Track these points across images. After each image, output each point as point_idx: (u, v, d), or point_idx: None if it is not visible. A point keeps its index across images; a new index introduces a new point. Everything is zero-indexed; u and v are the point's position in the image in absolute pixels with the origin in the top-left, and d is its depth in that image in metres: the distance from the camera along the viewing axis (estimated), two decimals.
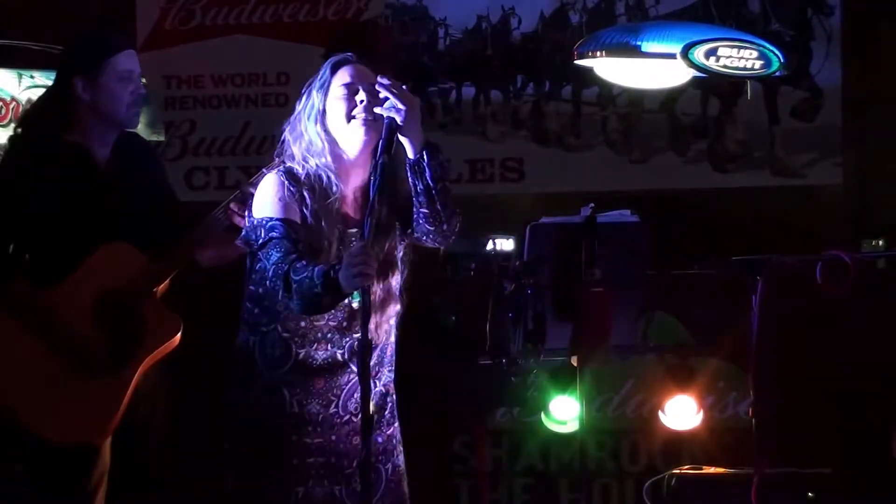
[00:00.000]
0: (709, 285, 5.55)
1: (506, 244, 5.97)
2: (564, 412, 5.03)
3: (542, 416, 5.22)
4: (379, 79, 3.59)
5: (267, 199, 3.62)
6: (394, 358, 3.79)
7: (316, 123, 3.65)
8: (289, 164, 3.67)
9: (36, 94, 5.91)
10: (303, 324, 3.65)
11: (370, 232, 3.42)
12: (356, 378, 3.63)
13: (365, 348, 3.40)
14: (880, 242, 6.12)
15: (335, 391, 3.67)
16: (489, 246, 5.15)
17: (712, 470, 5.15)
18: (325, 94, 3.66)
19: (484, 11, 6.93)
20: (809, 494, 4.93)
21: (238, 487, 3.68)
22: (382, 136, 3.54)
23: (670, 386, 5.14)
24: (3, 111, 5.99)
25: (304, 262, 3.48)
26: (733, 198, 6.74)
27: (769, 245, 5.13)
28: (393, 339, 3.77)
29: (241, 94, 6.96)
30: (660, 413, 5.16)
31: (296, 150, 3.67)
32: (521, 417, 5.65)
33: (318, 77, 3.69)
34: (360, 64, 3.71)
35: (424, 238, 3.71)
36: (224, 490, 3.69)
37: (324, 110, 3.66)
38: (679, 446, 5.55)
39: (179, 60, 6.94)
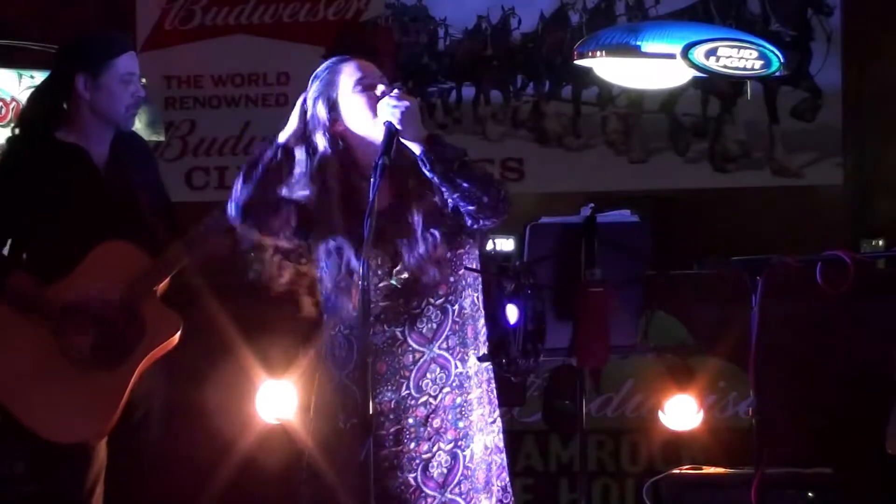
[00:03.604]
0: (709, 285, 5.54)
1: (506, 244, 5.98)
2: (565, 413, 5.03)
3: (542, 416, 5.22)
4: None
5: None
6: (479, 339, 3.68)
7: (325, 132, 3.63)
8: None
9: None
10: (354, 313, 3.55)
11: (370, 232, 3.41)
12: (425, 356, 3.59)
13: (365, 349, 3.39)
14: (880, 242, 6.14)
15: (403, 372, 3.58)
16: (489, 246, 5.15)
17: (712, 470, 5.15)
18: (335, 98, 3.62)
19: (484, 11, 6.94)
20: (809, 494, 4.92)
21: (310, 492, 3.63)
22: (382, 138, 3.54)
23: (670, 386, 5.13)
24: (3, 111, 5.99)
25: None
26: (733, 198, 6.74)
27: (769, 245, 5.13)
28: (463, 316, 3.64)
29: (241, 94, 6.97)
30: (660, 413, 5.15)
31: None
32: (521, 417, 5.63)
33: (320, 83, 3.63)
34: (361, 59, 3.64)
35: (474, 222, 3.65)
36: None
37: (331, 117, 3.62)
38: (679, 446, 5.54)
39: (179, 60, 6.95)
